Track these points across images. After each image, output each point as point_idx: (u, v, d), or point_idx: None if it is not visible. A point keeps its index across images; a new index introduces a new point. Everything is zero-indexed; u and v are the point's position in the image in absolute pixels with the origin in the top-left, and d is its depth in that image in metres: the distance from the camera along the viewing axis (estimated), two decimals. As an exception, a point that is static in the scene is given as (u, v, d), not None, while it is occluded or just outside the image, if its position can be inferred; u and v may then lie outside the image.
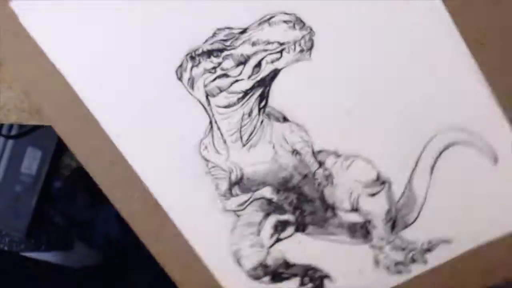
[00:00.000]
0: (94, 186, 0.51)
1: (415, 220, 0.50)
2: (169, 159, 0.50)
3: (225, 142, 0.49)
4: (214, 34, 0.45)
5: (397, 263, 0.51)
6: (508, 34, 0.44)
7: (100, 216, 0.81)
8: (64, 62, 0.48)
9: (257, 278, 0.53)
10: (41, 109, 0.51)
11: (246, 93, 0.47)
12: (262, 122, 0.48)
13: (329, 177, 0.49)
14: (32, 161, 0.84)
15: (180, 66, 0.47)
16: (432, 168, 0.48)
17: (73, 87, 0.48)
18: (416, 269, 0.52)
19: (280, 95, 0.47)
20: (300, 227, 0.52)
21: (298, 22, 0.44)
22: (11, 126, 0.83)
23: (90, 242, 0.84)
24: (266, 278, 0.53)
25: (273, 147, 0.49)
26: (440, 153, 0.47)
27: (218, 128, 0.48)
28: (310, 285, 0.53)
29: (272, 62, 0.46)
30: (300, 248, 0.52)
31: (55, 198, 0.86)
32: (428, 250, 0.51)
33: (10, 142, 0.86)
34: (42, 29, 0.47)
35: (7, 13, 0.46)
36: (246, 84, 0.47)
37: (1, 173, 0.86)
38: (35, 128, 0.81)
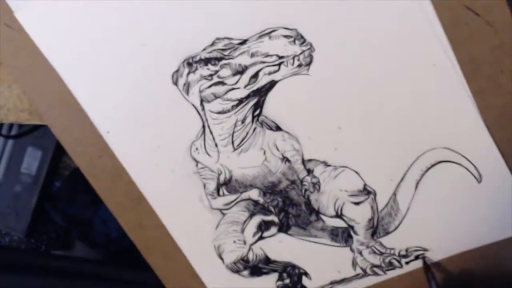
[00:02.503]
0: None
1: (395, 229, 0.51)
2: (158, 157, 0.50)
3: (216, 145, 0.49)
4: (213, 43, 0.45)
5: (373, 266, 0.53)
6: (498, 62, 0.45)
7: (100, 216, 0.80)
8: (60, 59, 0.47)
9: (236, 271, 0.54)
10: (34, 103, 0.50)
11: (241, 101, 0.47)
12: (254, 129, 0.48)
13: (316, 185, 0.50)
14: (32, 161, 0.82)
15: (177, 71, 0.46)
16: (418, 182, 0.49)
17: (67, 83, 0.48)
18: (391, 272, 0.53)
19: (275, 105, 0.47)
20: (284, 228, 0.53)
21: (298, 37, 0.44)
22: (11, 126, 0.81)
23: (90, 242, 0.83)
24: (245, 272, 0.54)
25: (264, 153, 0.49)
26: (427, 170, 0.48)
27: (210, 132, 0.48)
28: (287, 280, 0.55)
29: (270, 74, 0.46)
30: (281, 247, 0.53)
31: (55, 198, 0.84)
32: (405, 256, 0.52)
33: (10, 142, 0.84)
34: (39, 27, 0.46)
35: (2, 7, 0.45)
36: (241, 93, 0.47)
37: (1, 173, 0.84)
38: (35, 128, 0.79)
